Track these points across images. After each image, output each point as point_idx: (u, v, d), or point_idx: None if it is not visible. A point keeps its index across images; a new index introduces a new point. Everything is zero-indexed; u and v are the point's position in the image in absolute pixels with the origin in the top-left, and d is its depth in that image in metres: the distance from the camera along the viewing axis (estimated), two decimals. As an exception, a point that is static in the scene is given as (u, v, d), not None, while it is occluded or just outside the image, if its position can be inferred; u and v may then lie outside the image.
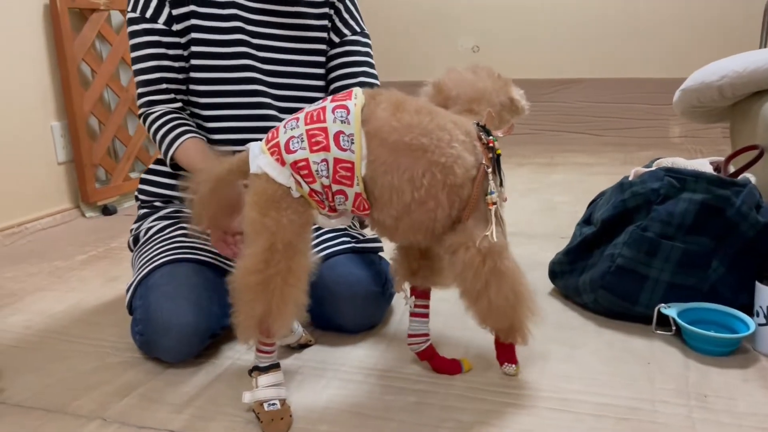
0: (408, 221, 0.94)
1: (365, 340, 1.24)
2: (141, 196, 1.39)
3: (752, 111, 1.60)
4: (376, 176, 0.91)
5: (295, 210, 0.92)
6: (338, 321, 1.25)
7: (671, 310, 1.19)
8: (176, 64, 1.28)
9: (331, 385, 1.08)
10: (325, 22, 1.36)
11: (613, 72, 3.41)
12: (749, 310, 1.19)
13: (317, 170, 0.90)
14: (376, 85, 1.38)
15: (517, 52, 3.51)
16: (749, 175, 1.35)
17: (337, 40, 1.37)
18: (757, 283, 1.14)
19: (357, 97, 0.93)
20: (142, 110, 1.31)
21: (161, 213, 1.35)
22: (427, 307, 1.12)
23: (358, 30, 1.39)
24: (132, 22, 1.27)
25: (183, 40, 1.27)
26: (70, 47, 2.14)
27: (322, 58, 1.37)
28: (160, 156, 1.32)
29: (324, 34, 1.36)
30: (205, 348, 1.18)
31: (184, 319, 1.11)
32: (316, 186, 0.91)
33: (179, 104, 1.31)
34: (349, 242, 1.30)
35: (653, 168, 1.44)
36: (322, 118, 0.91)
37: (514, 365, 1.09)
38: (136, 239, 1.35)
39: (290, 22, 1.33)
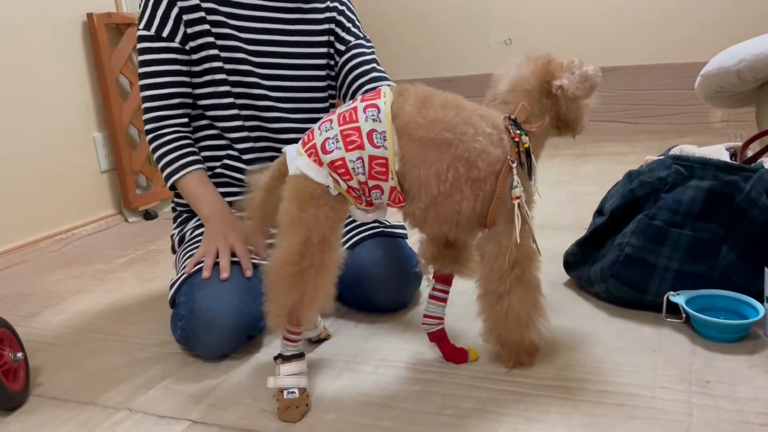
0: (435, 213, 0.99)
1: (379, 332, 1.29)
2: (178, 208, 1.47)
3: (775, 94, 1.56)
4: (406, 171, 0.97)
5: (332, 207, 0.97)
6: (374, 300, 1.34)
7: (680, 298, 1.19)
8: (187, 79, 1.33)
9: (343, 375, 1.13)
10: (327, 38, 1.42)
11: (650, 58, 3.34)
12: (762, 296, 1.18)
13: (353, 168, 0.95)
14: (387, 78, 1.42)
15: (550, 42, 3.48)
16: (767, 160, 1.33)
17: (342, 48, 1.42)
18: (766, 269, 1.13)
19: (386, 95, 0.98)
20: (150, 125, 1.34)
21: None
22: (446, 292, 1.16)
23: (361, 36, 1.45)
24: (145, 39, 1.31)
25: (196, 57, 1.32)
26: (108, 61, 2.25)
27: (324, 72, 1.43)
28: None
29: (325, 49, 1.42)
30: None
31: (226, 320, 1.17)
32: (353, 183, 0.97)
33: (187, 120, 1.36)
34: (378, 227, 1.37)
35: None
36: (354, 118, 0.96)
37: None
38: (181, 239, 1.42)
39: (294, 39, 1.39)
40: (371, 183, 0.97)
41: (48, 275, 1.85)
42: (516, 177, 0.98)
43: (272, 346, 1.26)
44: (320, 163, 0.95)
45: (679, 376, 1.04)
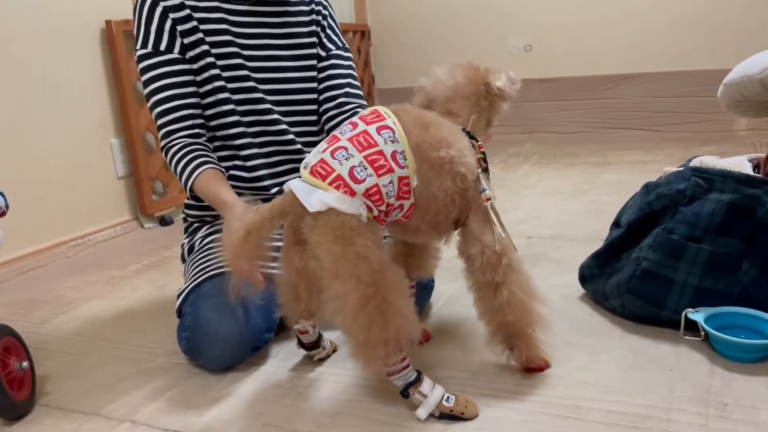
0: (433, 223, 1.04)
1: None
2: (189, 218, 1.46)
3: (801, 103, 1.51)
4: (421, 187, 0.99)
5: (372, 230, 0.95)
6: None
7: (698, 315, 1.15)
8: (191, 90, 1.31)
9: (348, 391, 1.11)
10: (314, 39, 1.42)
11: (673, 65, 3.29)
12: (786, 314, 1.14)
13: (387, 192, 0.95)
14: (360, 96, 1.44)
15: (571, 49, 3.44)
16: (792, 172, 1.29)
17: (323, 54, 1.43)
18: (789, 287, 1.09)
19: (390, 116, 0.99)
20: (163, 142, 1.32)
21: (214, 227, 1.40)
22: (413, 287, 1.20)
23: (341, 45, 1.45)
24: (144, 58, 1.29)
25: (196, 66, 1.31)
26: (126, 67, 2.26)
27: (314, 73, 1.42)
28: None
29: (314, 50, 1.42)
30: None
31: (230, 332, 1.16)
32: (383, 207, 0.96)
33: (197, 130, 1.32)
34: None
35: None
36: (373, 142, 0.95)
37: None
38: (191, 249, 1.41)
39: (284, 43, 1.39)
40: (397, 203, 0.97)
41: (62, 281, 1.86)
42: (483, 182, 1.05)
43: (278, 357, 1.24)
44: (353, 194, 0.92)
45: (697, 397, 1.00)
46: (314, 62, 1.42)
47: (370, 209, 0.94)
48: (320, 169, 0.94)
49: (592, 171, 2.68)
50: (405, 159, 0.96)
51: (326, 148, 0.96)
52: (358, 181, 0.93)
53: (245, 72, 1.34)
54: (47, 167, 2.06)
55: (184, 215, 1.47)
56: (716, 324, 1.14)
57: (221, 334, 1.15)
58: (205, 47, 1.30)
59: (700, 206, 1.19)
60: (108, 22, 2.22)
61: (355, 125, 0.98)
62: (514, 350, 1.10)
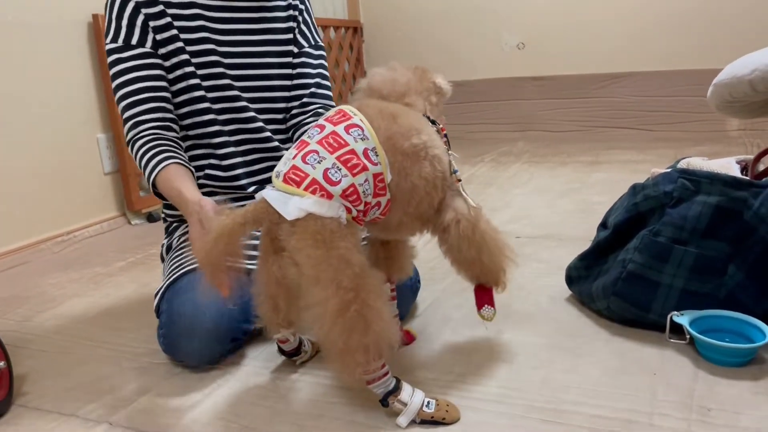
0: (416, 214, 1.04)
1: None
2: (168, 218, 1.44)
3: (790, 105, 1.51)
4: (398, 180, 0.98)
5: (352, 233, 0.94)
6: None
7: (683, 318, 1.15)
8: (161, 84, 1.27)
9: (329, 394, 1.10)
10: (291, 36, 1.40)
11: (665, 64, 3.28)
12: (770, 318, 1.13)
13: (363, 191, 0.94)
14: (327, 96, 1.43)
15: (563, 47, 3.43)
16: (780, 174, 1.28)
17: (295, 50, 1.41)
18: (775, 290, 1.09)
19: (357, 114, 0.98)
20: (130, 135, 1.26)
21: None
22: (394, 290, 1.19)
23: (313, 42, 1.44)
24: (114, 51, 1.26)
25: (168, 64, 1.28)
26: (114, 62, 2.24)
27: (289, 70, 1.40)
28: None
29: (290, 47, 1.39)
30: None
31: (205, 325, 1.15)
32: (361, 207, 0.95)
33: (168, 123, 1.28)
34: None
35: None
36: (343, 142, 0.94)
37: (492, 308, 1.14)
38: (169, 248, 1.40)
39: (260, 39, 1.36)
40: (374, 201, 0.97)
41: (46, 278, 1.84)
42: (453, 162, 1.08)
43: (259, 358, 1.23)
44: (330, 196, 0.91)
45: (680, 402, 0.99)
46: (290, 59, 1.40)
47: (348, 210, 0.93)
48: (293, 176, 0.92)
49: (583, 170, 2.67)
50: (377, 155, 0.96)
51: (296, 154, 0.94)
52: (333, 183, 0.91)
53: (220, 69, 1.31)
54: (33, 162, 2.03)
55: (163, 215, 1.46)
56: (701, 327, 1.13)
57: (197, 327, 1.14)
58: (179, 44, 1.28)
59: (686, 208, 1.18)
60: (95, 16, 2.19)
61: (322, 127, 0.97)
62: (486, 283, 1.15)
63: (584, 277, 1.35)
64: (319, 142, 0.94)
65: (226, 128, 1.34)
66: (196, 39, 1.29)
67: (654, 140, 3.16)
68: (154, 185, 1.22)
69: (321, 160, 0.92)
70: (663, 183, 1.23)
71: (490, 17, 3.56)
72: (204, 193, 1.31)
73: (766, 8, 3.04)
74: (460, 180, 1.09)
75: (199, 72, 1.30)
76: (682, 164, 1.28)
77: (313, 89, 1.41)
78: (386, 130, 0.98)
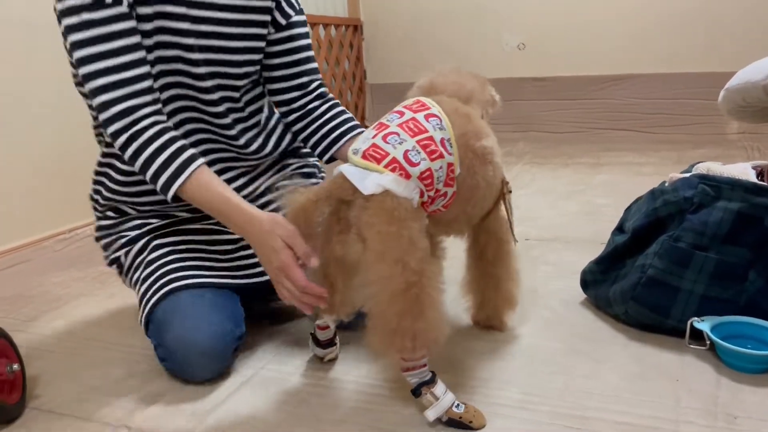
0: (470, 214, 1.09)
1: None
2: (103, 200, 1.27)
3: (803, 111, 1.51)
4: (465, 175, 1.02)
5: (421, 217, 0.97)
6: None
7: (704, 324, 1.14)
8: (145, 55, 1.06)
9: (352, 398, 1.09)
10: (270, 3, 1.23)
11: (666, 67, 3.29)
12: (791, 324, 1.13)
13: (438, 177, 0.97)
14: (315, 69, 1.33)
15: (565, 48, 3.43)
16: (795, 181, 1.28)
17: (284, 22, 1.26)
18: (797, 297, 1.08)
19: (435, 105, 1.01)
20: (117, 124, 1.03)
21: (134, 227, 1.25)
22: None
23: (298, 8, 1.29)
24: (78, 10, 1.00)
25: (148, 27, 1.08)
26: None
27: (262, 43, 1.25)
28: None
29: (267, 17, 1.23)
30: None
31: (202, 350, 1.12)
32: (432, 192, 0.98)
33: (160, 106, 1.09)
34: None
35: (690, 174, 1.38)
36: (423, 128, 0.98)
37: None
38: (116, 262, 1.28)
39: (235, 17, 1.19)
40: (443, 189, 0.99)
41: (50, 276, 1.81)
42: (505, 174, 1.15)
43: (276, 361, 1.21)
44: (408, 176, 0.94)
45: (704, 409, 0.99)
46: (264, 31, 1.24)
47: (421, 194, 0.95)
48: (374, 153, 0.95)
49: (585, 171, 2.67)
50: (451, 146, 0.99)
51: (376, 134, 0.97)
52: (413, 164, 0.94)
53: (191, 40, 1.12)
54: (34, 159, 2.00)
55: (101, 231, 1.31)
56: (722, 333, 1.13)
57: (194, 356, 1.12)
58: (158, 7, 1.07)
59: (707, 214, 1.17)
60: (99, 11, 2.16)
61: (401, 113, 1.00)
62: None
63: (600, 281, 1.35)
64: (400, 126, 0.97)
65: (185, 111, 1.20)
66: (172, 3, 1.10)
67: (655, 142, 3.16)
68: (178, 192, 1.05)
69: (402, 142, 0.95)
70: (683, 188, 1.22)
71: (491, 17, 3.55)
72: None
73: (764, 12, 3.06)
74: (510, 191, 1.14)
75: (173, 42, 1.11)
76: (701, 169, 1.28)
77: (308, 66, 1.32)
78: (461, 126, 1.01)
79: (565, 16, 3.40)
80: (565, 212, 2.11)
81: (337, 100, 1.37)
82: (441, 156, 0.98)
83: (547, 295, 1.45)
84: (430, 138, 0.97)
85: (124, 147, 1.05)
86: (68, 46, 1.04)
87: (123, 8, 1.03)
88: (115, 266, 1.30)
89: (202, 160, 1.08)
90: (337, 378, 1.15)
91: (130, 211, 1.27)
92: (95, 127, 1.26)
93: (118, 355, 1.29)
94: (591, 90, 3.41)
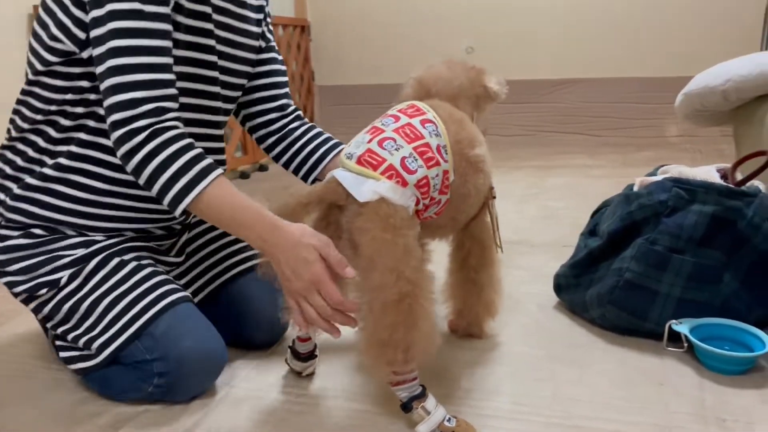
0: (458, 221, 1.08)
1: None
2: (28, 219, 1.11)
3: (756, 115, 1.56)
4: (458, 183, 1.00)
5: (415, 225, 0.94)
6: (256, 338, 1.24)
7: (683, 327, 1.15)
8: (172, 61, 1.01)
9: (333, 415, 1.04)
10: (261, 30, 1.24)
11: (608, 72, 3.38)
12: (764, 325, 1.15)
13: (434, 185, 0.95)
14: (290, 94, 1.33)
15: (512, 52, 3.47)
16: (758, 183, 1.31)
17: (263, 45, 1.27)
18: (773, 299, 1.11)
19: (430, 111, 0.99)
20: (145, 122, 0.94)
21: (76, 245, 1.11)
22: None
23: (272, 37, 1.30)
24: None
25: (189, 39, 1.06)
26: (57, 57, 2.08)
27: (250, 69, 1.25)
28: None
29: (258, 42, 1.24)
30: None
31: (215, 360, 1.09)
32: (426, 200, 0.95)
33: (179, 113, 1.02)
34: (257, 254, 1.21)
35: (658, 176, 1.40)
36: (419, 134, 0.95)
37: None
38: (46, 286, 1.09)
39: (240, 26, 1.18)
40: (437, 197, 0.97)
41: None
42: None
43: (246, 378, 1.15)
44: (404, 184, 0.91)
45: (694, 413, 0.99)
46: (255, 56, 1.24)
47: (417, 201, 0.92)
48: (370, 159, 0.91)
49: (538, 175, 2.70)
50: (447, 153, 0.96)
51: (371, 139, 0.93)
52: (410, 172, 0.91)
53: (213, 57, 1.11)
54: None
55: (19, 285, 1.11)
56: (700, 335, 1.14)
57: (203, 367, 1.07)
58: (191, 21, 1.06)
59: (682, 217, 1.19)
60: (36, 8, 2.03)
61: (397, 118, 0.97)
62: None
63: (574, 285, 1.35)
64: (396, 131, 0.94)
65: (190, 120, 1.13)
66: (198, 12, 1.07)
67: (600, 145, 3.24)
68: (197, 197, 0.95)
69: (399, 148, 0.92)
70: (657, 192, 1.23)
71: (440, 20, 3.56)
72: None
73: (706, 19, 3.18)
74: (495, 197, 1.13)
75: (189, 54, 1.07)
76: (672, 172, 1.29)
77: (286, 89, 1.32)
78: (455, 133, 0.99)
79: (512, 21, 3.45)
80: (526, 216, 2.12)
81: (313, 123, 1.34)
82: (437, 164, 0.95)
83: (523, 299, 1.44)
84: (427, 145, 0.95)
85: (139, 147, 0.94)
86: (105, 32, 0.94)
87: (168, 9, 0.98)
88: (43, 290, 1.10)
89: (221, 169, 1.01)
90: (318, 394, 1.10)
91: (68, 231, 1.12)
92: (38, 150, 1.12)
93: (71, 377, 1.18)
94: (538, 94, 3.47)
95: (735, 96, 1.57)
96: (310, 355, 1.12)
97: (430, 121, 0.97)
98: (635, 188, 1.38)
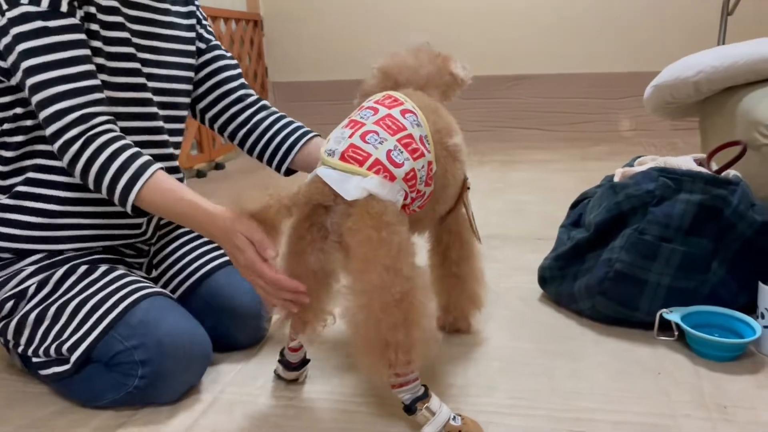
0: (438, 213, 1.04)
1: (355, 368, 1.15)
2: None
3: (726, 106, 1.59)
4: (439, 173, 0.95)
5: (406, 220, 0.90)
6: (236, 335, 1.19)
7: (674, 315, 1.15)
8: (94, 68, 1.01)
9: (327, 418, 0.99)
10: (194, 34, 1.21)
11: (560, 68, 3.42)
12: (748, 311, 1.17)
13: (420, 177, 0.91)
14: (248, 84, 1.28)
15: (468, 47, 3.47)
16: (734, 172, 1.33)
17: (204, 46, 1.24)
18: (761, 285, 1.12)
19: (408, 100, 0.94)
20: (74, 132, 0.95)
21: (45, 256, 1.07)
22: None
23: (213, 37, 1.26)
24: (35, 18, 0.94)
25: (111, 50, 1.05)
26: None
27: (191, 73, 1.22)
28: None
29: (193, 47, 1.21)
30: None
31: (199, 344, 1.04)
32: (414, 194, 0.91)
33: (113, 117, 1.02)
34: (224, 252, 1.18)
35: (636, 166, 1.41)
36: (401, 125, 0.90)
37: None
38: (13, 297, 1.05)
39: (167, 33, 1.16)
40: (423, 190, 0.93)
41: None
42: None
43: (235, 383, 1.09)
44: (392, 178, 0.86)
45: (695, 401, 0.99)
46: (193, 60, 1.21)
47: (405, 195, 0.88)
48: (354, 154, 0.86)
49: (502, 170, 2.70)
50: (429, 143, 0.92)
51: (352, 133, 0.88)
52: (397, 165, 0.87)
53: (136, 64, 1.09)
54: None
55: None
56: (690, 323, 1.14)
57: (195, 352, 1.03)
58: (95, 26, 1.02)
59: (670, 207, 1.19)
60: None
61: (375, 110, 0.92)
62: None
63: (559, 277, 1.33)
64: (377, 123, 0.89)
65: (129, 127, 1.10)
66: (112, 23, 1.05)
67: (557, 140, 3.27)
68: (138, 196, 0.96)
69: (382, 141, 0.87)
70: (644, 182, 1.23)
71: (395, 13, 3.53)
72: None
73: (657, 15, 3.25)
74: (469, 188, 1.09)
75: (111, 64, 1.05)
76: (659, 162, 1.29)
77: (242, 80, 1.27)
78: (434, 123, 0.95)
79: (468, 16, 3.45)
80: (494, 210, 2.11)
81: (283, 113, 1.28)
82: (422, 155, 0.91)
83: (505, 293, 1.42)
84: (410, 136, 0.91)
85: (78, 155, 0.97)
86: (16, 56, 0.96)
87: (76, 20, 0.98)
88: (8, 304, 1.05)
89: (158, 164, 1.00)
90: (309, 397, 1.05)
91: (33, 248, 1.07)
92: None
93: (36, 389, 1.09)
94: (494, 90, 3.48)
95: (706, 87, 1.59)
96: (302, 362, 1.07)
97: (410, 111, 0.93)
98: (616, 179, 1.38)
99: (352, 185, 0.84)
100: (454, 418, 0.91)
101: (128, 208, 0.98)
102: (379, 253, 0.84)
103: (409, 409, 0.90)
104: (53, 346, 1.01)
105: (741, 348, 1.11)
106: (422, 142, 0.92)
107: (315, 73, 3.69)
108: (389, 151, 0.87)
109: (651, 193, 1.21)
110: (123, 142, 0.99)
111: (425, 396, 0.90)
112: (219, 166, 3.04)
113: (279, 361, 1.06)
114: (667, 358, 1.12)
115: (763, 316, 1.11)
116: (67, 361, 1.01)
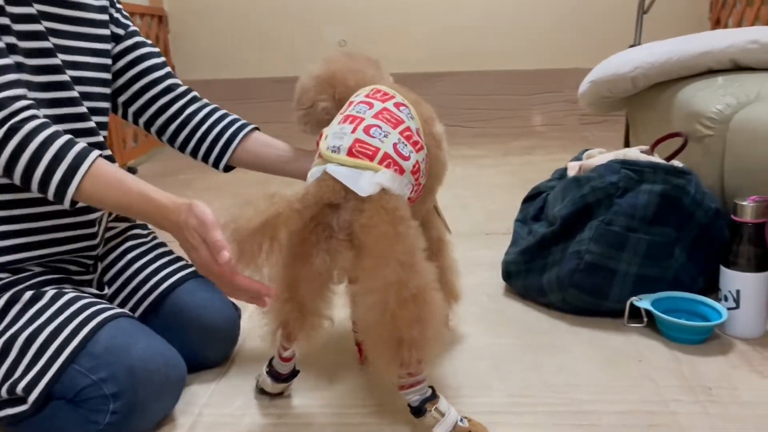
0: (424, 207, 1.03)
1: (340, 371, 1.11)
2: None
3: (659, 100, 1.66)
4: (432, 163, 0.94)
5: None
6: (205, 352, 1.11)
7: (644, 302, 1.19)
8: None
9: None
10: (106, 17, 1.10)
11: (476, 65, 3.50)
12: (706, 293, 1.22)
13: (423, 169, 0.90)
14: (173, 74, 1.19)
15: (384, 45, 3.47)
16: (677, 163, 1.39)
17: (122, 32, 1.12)
18: (723, 268, 1.17)
19: (397, 94, 0.92)
20: None
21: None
22: None
23: (131, 23, 1.16)
24: None
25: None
26: None
27: (107, 60, 1.10)
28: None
29: (107, 31, 1.10)
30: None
31: (174, 369, 0.96)
32: (417, 186, 0.89)
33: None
34: (189, 264, 1.13)
35: (583, 160, 1.45)
36: (399, 118, 0.89)
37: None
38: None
39: (73, 15, 1.04)
40: (422, 182, 0.91)
41: None
42: None
43: (212, 404, 1.02)
44: (401, 171, 0.83)
45: (681, 386, 1.02)
46: (108, 46, 1.10)
47: (411, 188, 0.86)
48: (362, 149, 0.82)
49: (430, 166, 2.71)
50: (422, 135, 0.91)
51: (355, 128, 0.84)
52: (404, 158, 0.85)
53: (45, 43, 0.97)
54: None
55: None
56: (659, 309, 1.18)
57: (162, 378, 0.93)
58: (6, 20, 0.92)
59: (634, 197, 1.22)
60: None
61: (370, 104, 0.89)
62: None
63: (525, 271, 1.35)
64: (376, 117, 0.86)
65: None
66: (24, 15, 0.94)
67: (476, 136, 3.33)
68: (78, 189, 0.87)
69: (387, 134, 0.85)
70: (607, 174, 1.26)
71: (311, 10, 3.47)
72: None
73: (572, 15, 3.40)
74: None
75: (30, 62, 0.95)
76: (619, 155, 1.33)
77: (167, 69, 1.16)
78: (420, 114, 0.93)
79: (384, 14, 3.45)
80: (443, 206, 2.10)
81: (216, 104, 1.20)
82: (422, 147, 0.90)
83: (470, 290, 1.41)
84: (409, 129, 0.89)
85: (2, 145, 0.86)
86: None
87: None
88: None
89: (97, 152, 0.91)
90: (302, 412, 0.99)
91: None
92: None
93: None
94: (413, 87, 3.49)
95: (643, 83, 1.66)
96: (291, 375, 1.00)
97: (403, 104, 0.91)
98: (570, 173, 1.41)
99: (365, 181, 0.80)
100: (461, 419, 0.89)
101: (66, 204, 0.88)
102: (396, 249, 0.81)
103: (418, 410, 0.87)
104: (5, 387, 0.89)
105: (710, 330, 1.16)
106: (419, 134, 0.91)
107: (223, 71, 3.55)
108: (395, 144, 0.85)
109: (615, 185, 1.24)
110: (53, 128, 0.89)
111: (433, 397, 0.88)
112: (131, 170, 2.86)
113: (267, 372, 0.99)
114: (642, 344, 1.16)
115: (726, 299, 1.17)
116: (23, 401, 0.89)
